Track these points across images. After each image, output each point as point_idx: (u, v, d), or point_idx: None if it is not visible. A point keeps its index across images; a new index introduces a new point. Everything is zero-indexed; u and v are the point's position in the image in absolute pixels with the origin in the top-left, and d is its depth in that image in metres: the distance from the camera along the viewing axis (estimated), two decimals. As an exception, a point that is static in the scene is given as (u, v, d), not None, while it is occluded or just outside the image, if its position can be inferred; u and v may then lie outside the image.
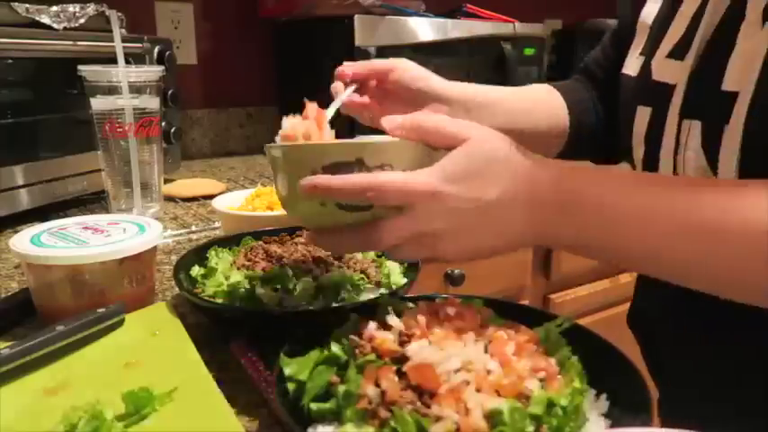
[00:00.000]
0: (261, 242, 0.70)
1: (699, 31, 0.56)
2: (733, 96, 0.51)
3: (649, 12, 0.67)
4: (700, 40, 0.56)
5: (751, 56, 0.50)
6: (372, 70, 0.70)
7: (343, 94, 0.67)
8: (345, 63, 0.70)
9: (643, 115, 0.62)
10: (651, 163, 0.60)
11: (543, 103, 0.81)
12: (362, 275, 0.63)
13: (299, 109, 0.54)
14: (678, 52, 0.59)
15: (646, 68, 0.63)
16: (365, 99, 0.71)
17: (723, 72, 0.53)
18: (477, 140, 0.45)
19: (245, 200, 0.90)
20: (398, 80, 0.70)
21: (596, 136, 0.81)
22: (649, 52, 0.63)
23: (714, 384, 0.61)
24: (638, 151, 0.62)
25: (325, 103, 0.63)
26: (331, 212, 0.45)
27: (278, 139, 0.52)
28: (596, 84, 0.81)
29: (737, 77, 0.51)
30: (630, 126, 0.63)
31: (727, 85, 0.52)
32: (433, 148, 0.47)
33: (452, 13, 1.58)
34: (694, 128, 0.55)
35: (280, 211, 0.84)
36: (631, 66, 0.67)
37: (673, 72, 0.58)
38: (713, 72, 0.54)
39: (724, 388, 0.60)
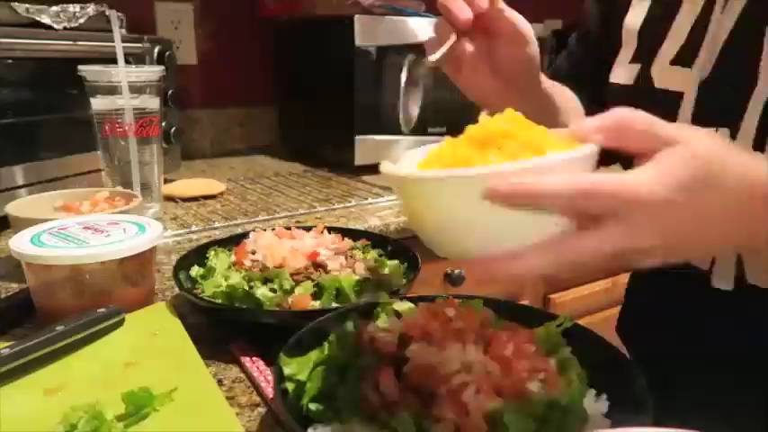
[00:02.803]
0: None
1: (708, 37, 0.55)
2: None
3: (635, 19, 0.65)
4: (711, 46, 0.55)
5: None
6: (505, 25, 0.58)
7: (450, 40, 0.56)
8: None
9: None
10: None
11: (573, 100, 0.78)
12: (363, 276, 0.63)
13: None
14: (684, 59, 0.58)
15: (643, 76, 0.62)
16: (471, 49, 0.59)
17: (749, 76, 0.51)
18: (695, 142, 0.37)
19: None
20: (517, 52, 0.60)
21: None
22: (646, 59, 0.62)
23: (709, 388, 0.61)
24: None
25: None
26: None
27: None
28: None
29: None
30: None
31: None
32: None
33: (452, 13, 1.57)
34: (721, 135, 0.53)
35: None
36: (622, 75, 0.65)
37: (680, 79, 0.58)
38: (737, 77, 0.52)
39: (718, 390, 0.60)
